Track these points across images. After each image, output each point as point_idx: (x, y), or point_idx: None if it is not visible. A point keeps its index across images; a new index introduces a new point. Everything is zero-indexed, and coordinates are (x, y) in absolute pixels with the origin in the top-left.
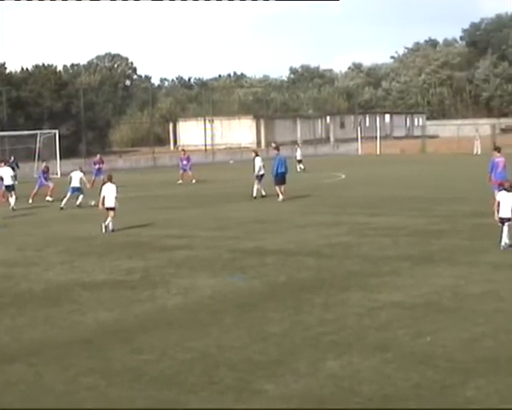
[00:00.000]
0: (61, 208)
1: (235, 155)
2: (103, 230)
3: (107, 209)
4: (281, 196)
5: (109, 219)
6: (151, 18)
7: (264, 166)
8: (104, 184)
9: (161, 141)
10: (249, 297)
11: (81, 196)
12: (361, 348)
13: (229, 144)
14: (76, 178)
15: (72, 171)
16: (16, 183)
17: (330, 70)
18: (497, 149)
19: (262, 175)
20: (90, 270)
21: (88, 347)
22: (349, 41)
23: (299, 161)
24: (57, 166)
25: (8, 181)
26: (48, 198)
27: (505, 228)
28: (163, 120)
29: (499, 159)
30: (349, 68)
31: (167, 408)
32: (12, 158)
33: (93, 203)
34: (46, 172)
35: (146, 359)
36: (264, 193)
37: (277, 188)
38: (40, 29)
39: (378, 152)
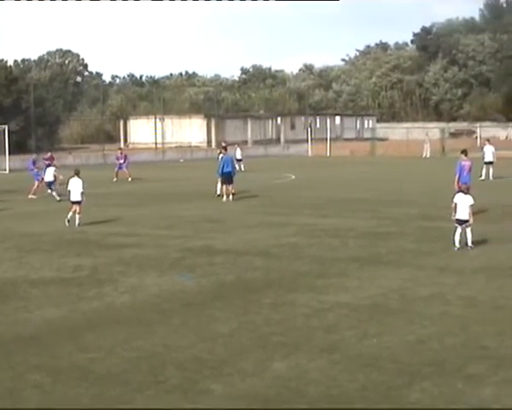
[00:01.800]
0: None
1: (186, 153)
2: (66, 223)
3: (72, 203)
4: (225, 197)
5: (70, 213)
6: (103, 15)
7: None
8: (71, 178)
9: (112, 138)
10: (197, 296)
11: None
12: (308, 349)
13: (179, 143)
14: (49, 172)
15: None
16: None
17: (282, 71)
18: (464, 152)
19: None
20: (38, 267)
21: (35, 344)
22: (301, 42)
23: (239, 161)
24: (6, 161)
25: None
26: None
27: (468, 230)
28: (114, 117)
29: (466, 162)
30: (300, 70)
31: (113, 408)
32: None
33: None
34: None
35: (93, 357)
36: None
37: (223, 187)
38: None
39: (328, 154)
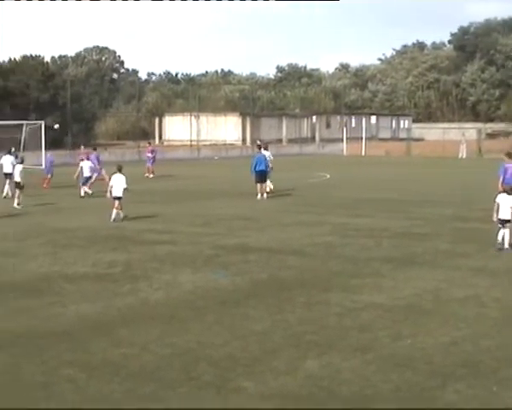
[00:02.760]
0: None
1: (221, 151)
2: (111, 219)
3: (115, 199)
4: (259, 195)
5: (115, 211)
6: (140, 12)
7: (271, 160)
8: (113, 174)
9: (147, 135)
10: (231, 294)
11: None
12: (341, 348)
13: (214, 141)
14: (86, 167)
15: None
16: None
17: (317, 70)
18: (509, 154)
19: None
20: (72, 262)
21: (68, 339)
22: (337, 41)
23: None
24: (42, 157)
25: (8, 169)
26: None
27: (506, 231)
28: (149, 114)
29: (509, 164)
30: (336, 69)
31: (146, 408)
32: (13, 148)
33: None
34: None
35: (126, 353)
36: (271, 187)
37: (258, 186)
38: (29, 20)
39: (363, 153)
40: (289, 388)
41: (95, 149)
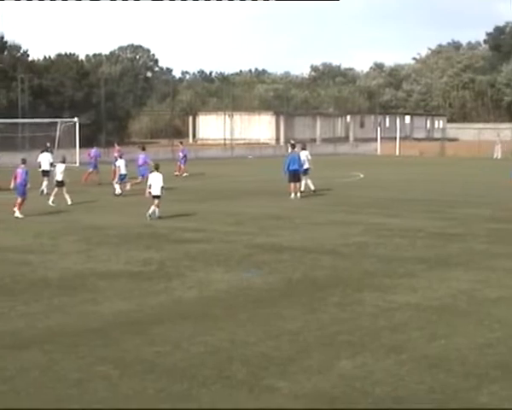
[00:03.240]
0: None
1: (254, 150)
2: (147, 218)
3: (153, 197)
4: (293, 194)
5: (152, 207)
6: (175, 10)
7: (309, 160)
8: (151, 172)
9: (180, 134)
10: (264, 293)
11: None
12: (375, 348)
13: (247, 140)
14: (122, 165)
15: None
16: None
17: (352, 69)
18: None
19: (307, 169)
20: (106, 259)
21: (102, 336)
22: (371, 40)
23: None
24: (76, 155)
25: (45, 166)
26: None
27: None
28: (183, 112)
29: None
30: (371, 68)
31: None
32: (48, 144)
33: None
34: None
35: (159, 351)
36: (312, 187)
37: (291, 185)
38: (64, 18)
39: (397, 153)
40: (323, 388)
41: (143, 149)
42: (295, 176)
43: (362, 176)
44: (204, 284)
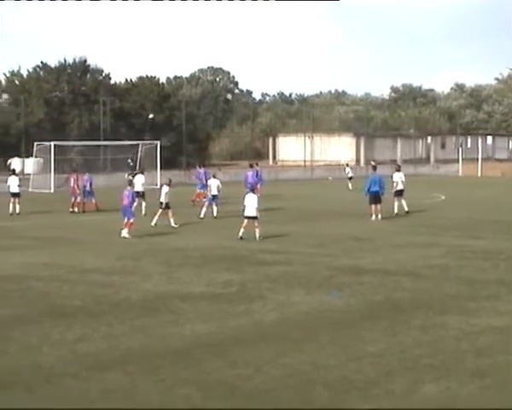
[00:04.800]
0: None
1: (334, 171)
2: (239, 238)
3: (248, 218)
4: (373, 216)
5: (242, 230)
6: (254, 33)
7: (403, 182)
8: (247, 194)
9: (260, 155)
10: (345, 316)
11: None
12: (459, 372)
13: (327, 161)
14: (214, 185)
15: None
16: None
17: (432, 90)
18: None
19: (401, 190)
20: (187, 281)
21: (184, 358)
22: (452, 61)
23: (350, 179)
24: (157, 176)
25: (139, 188)
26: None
27: None
28: (263, 134)
29: None
30: (451, 89)
31: None
32: (130, 163)
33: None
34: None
35: (240, 373)
36: (406, 209)
37: (372, 207)
38: (145, 41)
39: (479, 174)
40: None
41: (251, 166)
42: (376, 198)
43: (443, 197)
44: (285, 306)
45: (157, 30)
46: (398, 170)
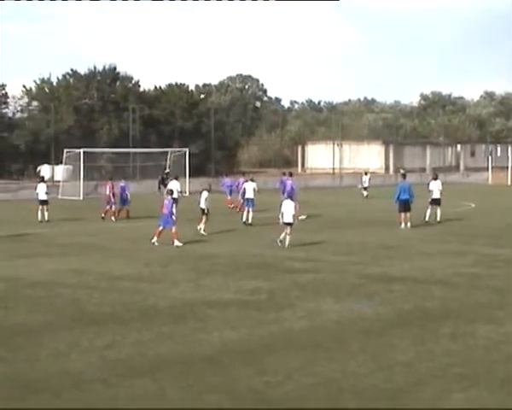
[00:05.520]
0: (245, 223)
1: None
2: (278, 243)
3: (285, 224)
4: (403, 224)
5: (283, 234)
6: (283, 40)
7: (440, 190)
8: (283, 200)
9: (289, 163)
10: (375, 324)
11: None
12: (488, 381)
13: (356, 169)
14: (249, 188)
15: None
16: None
17: (462, 98)
18: None
19: (438, 199)
20: (215, 288)
21: (212, 365)
22: (482, 69)
23: (365, 188)
24: (186, 184)
25: (176, 194)
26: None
27: None
28: (292, 142)
29: None
30: (481, 97)
31: None
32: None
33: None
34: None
35: (270, 381)
36: (439, 219)
37: (401, 215)
38: (174, 48)
39: (509, 183)
40: None
41: (290, 175)
42: (405, 205)
43: (473, 205)
44: (314, 314)
45: (187, 37)
46: (435, 178)
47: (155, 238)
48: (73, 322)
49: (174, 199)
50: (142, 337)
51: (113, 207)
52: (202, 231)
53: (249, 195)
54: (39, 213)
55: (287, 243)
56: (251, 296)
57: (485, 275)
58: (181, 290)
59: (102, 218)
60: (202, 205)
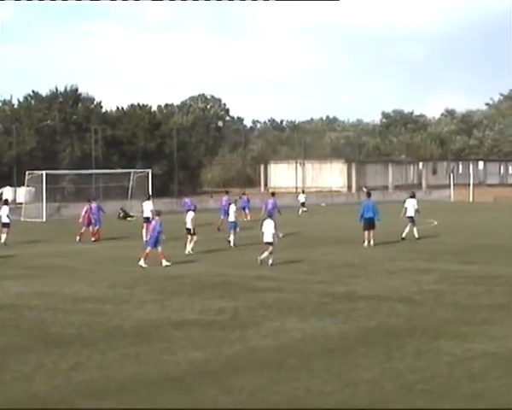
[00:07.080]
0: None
1: (326, 198)
2: (259, 262)
3: (266, 244)
4: (366, 242)
5: (266, 253)
6: (244, 60)
7: (415, 209)
8: (264, 220)
9: (252, 182)
10: (339, 342)
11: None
12: (453, 398)
13: (319, 188)
14: (232, 211)
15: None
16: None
17: (423, 116)
18: None
19: (412, 217)
20: (180, 308)
21: (178, 386)
22: (442, 86)
23: (303, 204)
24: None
25: (147, 214)
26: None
27: None
28: (254, 161)
29: None
30: (442, 114)
31: None
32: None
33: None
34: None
35: (236, 400)
36: (417, 235)
37: (365, 233)
38: (136, 69)
39: (471, 199)
40: None
41: (273, 195)
42: (370, 224)
43: (436, 223)
44: (279, 333)
45: (148, 58)
46: (412, 196)
47: (142, 260)
48: (38, 344)
49: (145, 218)
50: (107, 359)
51: (91, 228)
52: (190, 251)
53: (231, 218)
54: (2, 235)
55: (270, 261)
56: (216, 316)
57: (449, 292)
58: (146, 311)
59: (79, 240)
60: (188, 225)
